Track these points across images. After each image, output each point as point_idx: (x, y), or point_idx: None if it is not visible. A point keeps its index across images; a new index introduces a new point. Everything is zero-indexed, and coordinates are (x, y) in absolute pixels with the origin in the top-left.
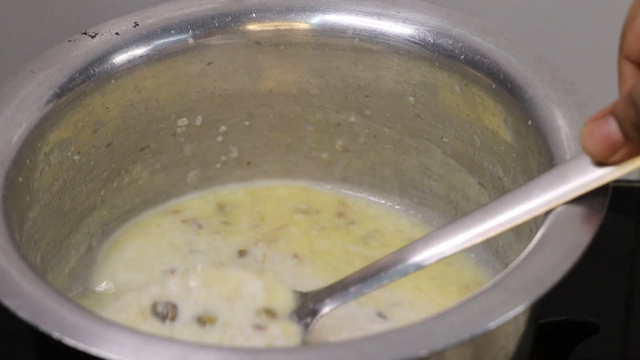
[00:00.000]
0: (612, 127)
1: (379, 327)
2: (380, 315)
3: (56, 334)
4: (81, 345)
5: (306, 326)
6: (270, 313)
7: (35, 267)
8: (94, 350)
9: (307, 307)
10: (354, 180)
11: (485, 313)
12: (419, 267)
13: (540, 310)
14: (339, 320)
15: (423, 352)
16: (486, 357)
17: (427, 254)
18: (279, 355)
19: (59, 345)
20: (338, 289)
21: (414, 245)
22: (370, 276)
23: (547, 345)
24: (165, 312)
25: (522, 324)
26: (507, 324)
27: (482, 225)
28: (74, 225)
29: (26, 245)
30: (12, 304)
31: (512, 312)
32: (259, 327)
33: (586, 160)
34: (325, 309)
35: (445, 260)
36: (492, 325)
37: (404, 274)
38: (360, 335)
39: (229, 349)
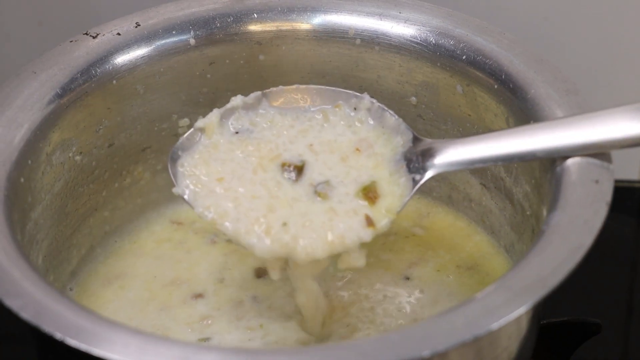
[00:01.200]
0: None
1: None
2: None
3: (59, 335)
4: (83, 346)
5: (414, 183)
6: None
7: (37, 267)
8: (96, 351)
9: (416, 159)
10: None
11: (488, 314)
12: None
13: (543, 311)
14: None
15: (425, 353)
16: (488, 358)
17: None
18: (279, 356)
19: (61, 346)
20: (449, 148)
21: (535, 129)
22: (487, 147)
23: (549, 346)
24: (291, 171)
25: (524, 325)
26: (510, 324)
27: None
28: (75, 225)
29: (28, 246)
30: (14, 305)
31: (515, 313)
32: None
33: None
34: (434, 171)
35: None
36: (494, 326)
37: (525, 158)
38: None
39: (229, 350)
